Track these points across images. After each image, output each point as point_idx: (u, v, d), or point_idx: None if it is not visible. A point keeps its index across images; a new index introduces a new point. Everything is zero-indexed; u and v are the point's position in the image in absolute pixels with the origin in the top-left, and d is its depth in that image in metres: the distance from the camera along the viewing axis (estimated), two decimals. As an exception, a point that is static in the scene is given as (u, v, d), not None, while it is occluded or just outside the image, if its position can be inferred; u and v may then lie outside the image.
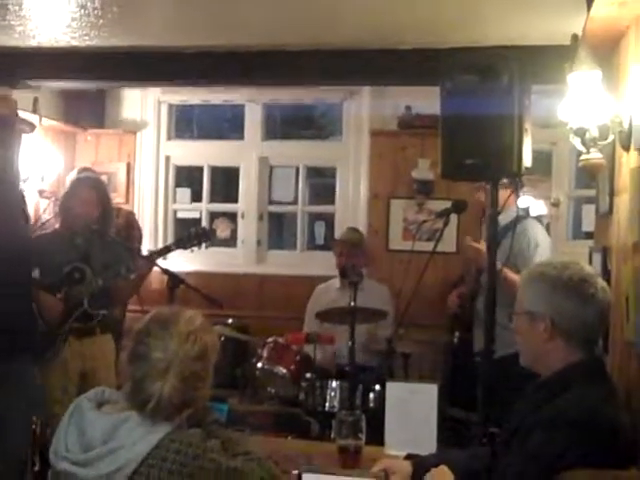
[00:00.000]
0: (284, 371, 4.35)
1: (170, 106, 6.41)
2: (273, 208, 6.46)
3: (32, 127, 5.15)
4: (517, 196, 3.33)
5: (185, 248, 3.96)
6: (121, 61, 4.77)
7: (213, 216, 6.37)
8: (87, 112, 6.28)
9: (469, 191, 4.06)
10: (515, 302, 2.23)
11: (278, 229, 7.26)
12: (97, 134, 6.30)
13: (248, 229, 6.24)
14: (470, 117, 2.85)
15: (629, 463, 1.95)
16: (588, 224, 4.97)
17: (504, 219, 3.51)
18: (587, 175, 3.71)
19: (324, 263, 5.52)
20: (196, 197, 6.43)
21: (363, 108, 5.93)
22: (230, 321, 5.11)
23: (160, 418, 1.93)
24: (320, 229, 6.92)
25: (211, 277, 5.82)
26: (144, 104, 6.34)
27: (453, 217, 3.53)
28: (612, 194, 3.01)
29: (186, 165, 6.55)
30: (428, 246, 3.47)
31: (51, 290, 3.87)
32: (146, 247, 5.52)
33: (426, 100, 5.12)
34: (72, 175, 4.50)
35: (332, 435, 3.16)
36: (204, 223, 6.24)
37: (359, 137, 5.96)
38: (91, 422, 1.95)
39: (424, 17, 3.93)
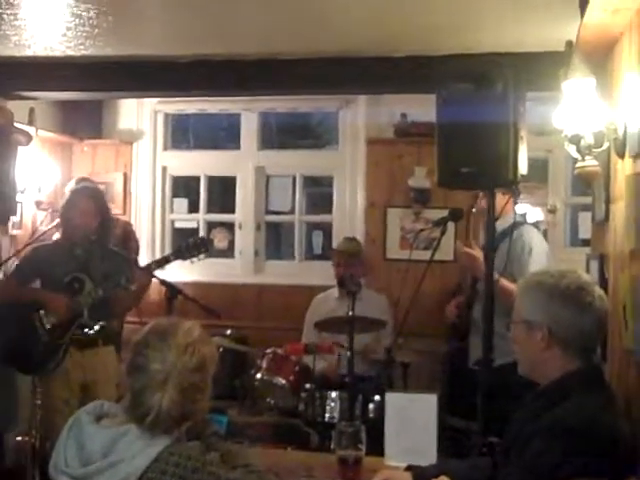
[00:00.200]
0: (283, 382, 4.33)
1: (166, 115, 6.40)
2: (270, 218, 6.44)
3: (28, 138, 5.15)
4: (515, 202, 3.34)
5: (184, 259, 3.96)
6: (116, 71, 4.75)
7: (210, 226, 6.36)
8: (84, 123, 6.27)
9: (468, 199, 4.04)
10: (512, 311, 2.23)
11: (276, 239, 7.24)
12: (94, 145, 6.29)
13: (245, 239, 6.23)
14: (466, 125, 2.87)
15: (628, 472, 1.94)
16: (585, 231, 4.96)
17: (501, 225, 3.52)
18: (583, 182, 3.70)
19: (322, 273, 5.49)
20: (193, 207, 6.42)
21: (359, 116, 5.93)
22: (229, 332, 5.11)
23: (159, 431, 1.93)
24: (318, 238, 6.91)
25: (209, 287, 5.81)
26: (140, 114, 6.33)
27: (450, 225, 3.52)
28: (608, 201, 3.00)
29: (183, 175, 6.54)
30: (425, 255, 3.45)
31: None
32: (143, 258, 5.50)
33: (421, 107, 5.14)
34: (70, 185, 4.51)
35: (332, 446, 3.16)
36: (202, 233, 6.23)
37: (355, 145, 5.95)
38: (90, 436, 1.95)
39: (418, 24, 3.92)
